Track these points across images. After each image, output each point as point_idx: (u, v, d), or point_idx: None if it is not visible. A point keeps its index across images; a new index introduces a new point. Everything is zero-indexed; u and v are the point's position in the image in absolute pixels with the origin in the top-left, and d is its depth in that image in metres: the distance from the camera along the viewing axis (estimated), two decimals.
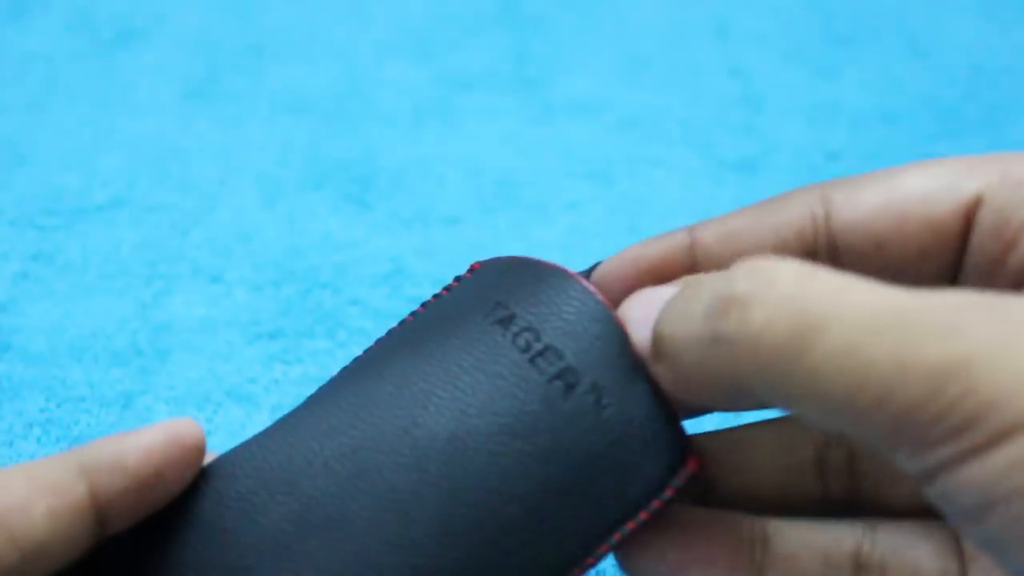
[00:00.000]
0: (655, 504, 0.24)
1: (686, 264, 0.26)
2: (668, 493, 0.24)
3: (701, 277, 0.23)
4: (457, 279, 0.27)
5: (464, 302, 0.26)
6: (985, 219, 0.23)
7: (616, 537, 0.24)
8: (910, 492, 0.26)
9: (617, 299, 0.26)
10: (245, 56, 0.58)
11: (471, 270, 0.28)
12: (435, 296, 0.27)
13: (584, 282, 0.26)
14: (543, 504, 0.23)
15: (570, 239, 0.47)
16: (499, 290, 0.26)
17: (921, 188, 0.24)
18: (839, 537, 0.25)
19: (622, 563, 0.26)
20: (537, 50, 0.59)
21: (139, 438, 0.23)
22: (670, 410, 0.24)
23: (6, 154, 0.51)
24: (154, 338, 0.42)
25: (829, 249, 0.24)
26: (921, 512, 0.25)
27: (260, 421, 0.39)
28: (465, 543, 0.23)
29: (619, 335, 0.25)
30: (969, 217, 0.23)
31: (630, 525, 0.24)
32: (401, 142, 0.52)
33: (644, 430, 0.24)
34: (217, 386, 0.41)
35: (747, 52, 0.59)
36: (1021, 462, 0.17)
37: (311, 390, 0.40)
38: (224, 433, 0.39)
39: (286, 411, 0.39)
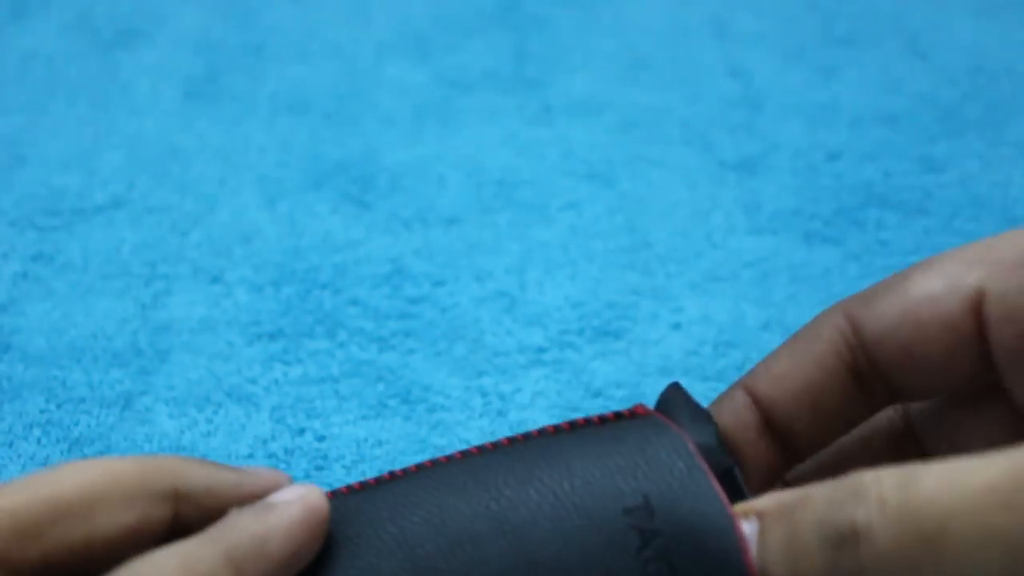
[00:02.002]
0: None
1: (759, 423, 0.26)
2: None
3: (785, 502, 0.22)
4: (617, 415, 0.25)
5: (616, 470, 0.24)
6: (993, 311, 0.23)
7: None
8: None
9: None
10: (245, 56, 0.58)
11: (633, 414, 0.26)
12: (586, 420, 0.25)
13: (737, 530, 0.23)
14: None
15: (570, 239, 0.47)
16: (654, 482, 0.24)
17: (927, 291, 0.24)
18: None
19: None
20: (537, 50, 0.59)
21: (280, 520, 0.23)
22: None
23: (6, 154, 0.51)
24: (154, 338, 0.42)
25: (869, 363, 0.25)
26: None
27: (260, 421, 0.39)
28: None
29: None
30: (977, 312, 0.24)
31: None
32: (401, 142, 0.52)
33: None
34: (217, 386, 0.41)
35: (747, 52, 0.59)
36: None
37: (311, 390, 0.40)
38: (224, 433, 0.39)
39: (285, 412, 0.39)
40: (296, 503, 0.23)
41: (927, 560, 0.19)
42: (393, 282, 0.45)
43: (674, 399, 0.26)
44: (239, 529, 0.23)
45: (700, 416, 0.26)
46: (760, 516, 0.23)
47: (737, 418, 0.26)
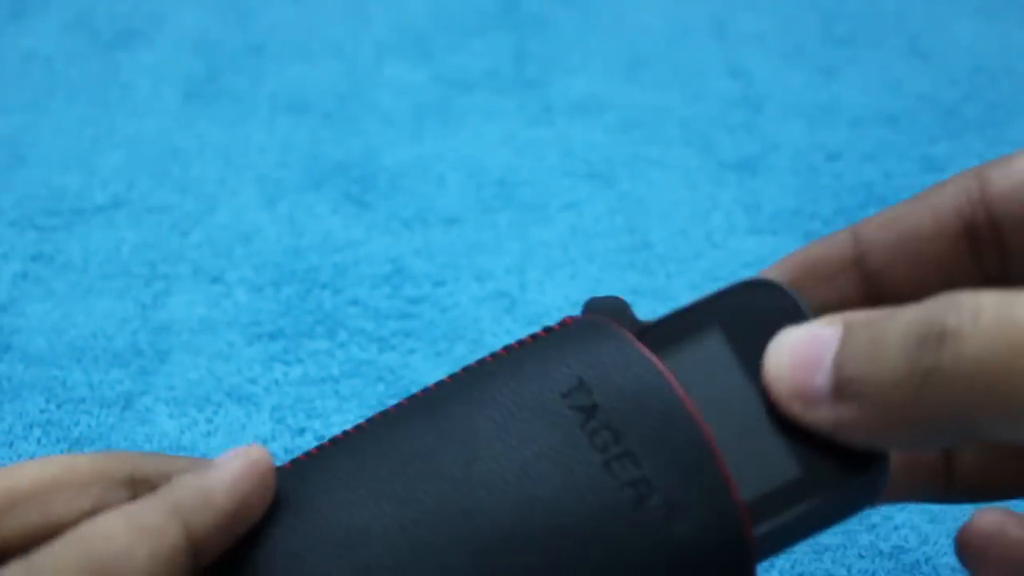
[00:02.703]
0: None
1: (850, 258, 0.26)
2: None
3: (874, 315, 0.23)
4: (546, 329, 0.26)
5: (547, 369, 0.25)
6: None
7: None
8: None
9: None
10: (245, 56, 0.58)
11: (562, 324, 0.26)
12: (519, 342, 0.26)
13: (678, 388, 0.24)
14: None
15: (570, 239, 0.47)
16: (585, 365, 0.25)
17: None
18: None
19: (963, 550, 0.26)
20: (537, 50, 0.59)
21: (222, 472, 0.24)
22: (742, 536, 0.23)
23: (6, 154, 0.51)
24: (154, 338, 0.42)
25: (989, 221, 0.25)
26: None
27: (260, 421, 0.39)
28: None
29: (705, 453, 0.23)
30: None
31: None
32: (401, 142, 0.52)
33: (711, 553, 0.23)
34: (217, 386, 0.41)
35: (747, 52, 0.59)
36: None
37: (311, 390, 0.40)
38: (224, 433, 0.39)
39: (286, 412, 0.39)
40: (238, 458, 0.24)
41: (1014, 368, 0.19)
42: (393, 282, 0.45)
43: (591, 305, 0.27)
44: (183, 485, 0.24)
45: (616, 303, 0.27)
46: (847, 324, 0.23)
47: (828, 250, 0.26)
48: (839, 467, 0.24)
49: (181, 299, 0.44)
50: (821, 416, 0.23)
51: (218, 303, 0.44)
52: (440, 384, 0.26)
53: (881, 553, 0.35)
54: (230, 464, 0.24)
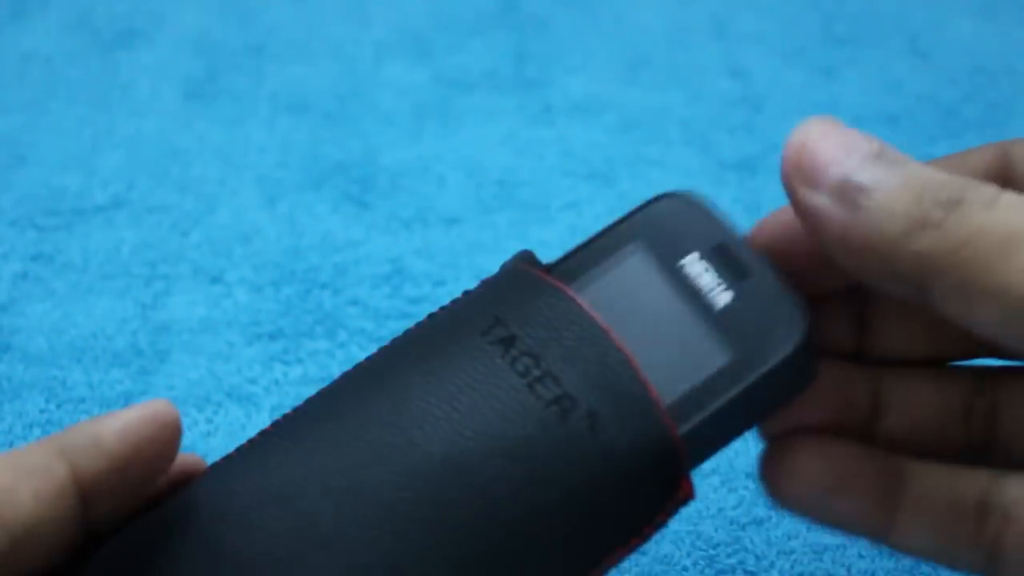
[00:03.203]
0: (646, 530, 0.25)
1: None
2: (660, 518, 0.25)
3: (918, 166, 0.23)
4: (467, 293, 0.27)
5: (466, 316, 0.26)
6: None
7: (606, 562, 0.24)
8: None
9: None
10: (245, 56, 0.58)
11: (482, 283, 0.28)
12: (442, 308, 0.27)
13: (585, 306, 0.26)
14: (534, 528, 0.23)
15: (570, 239, 0.47)
16: (500, 305, 0.26)
17: None
18: (970, 482, 0.25)
19: (770, 488, 0.26)
20: (537, 50, 0.59)
21: (115, 419, 0.23)
22: (666, 435, 0.24)
23: (6, 154, 0.51)
24: (154, 338, 0.42)
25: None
26: None
27: (260, 421, 0.39)
28: (456, 564, 0.23)
29: (619, 361, 0.25)
30: None
31: (620, 550, 0.24)
32: (401, 142, 0.52)
33: (638, 456, 0.24)
34: (217, 386, 0.41)
35: (747, 52, 0.59)
36: None
37: (311, 390, 0.40)
38: (224, 433, 0.39)
39: (286, 411, 0.39)
40: (137, 407, 0.24)
41: (998, 252, 0.20)
42: (393, 282, 0.45)
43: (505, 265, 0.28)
44: (74, 429, 0.23)
45: (526, 255, 0.28)
46: (887, 152, 0.24)
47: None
48: (765, 347, 0.25)
49: (181, 299, 0.44)
50: (812, 202, 0.23)
51: (218, 303, 0.44)
52: (369, 356, 0.27)
53: (881, 553, 0.35)
54: (126, 412, 0.24)
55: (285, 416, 0.26)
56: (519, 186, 0.50)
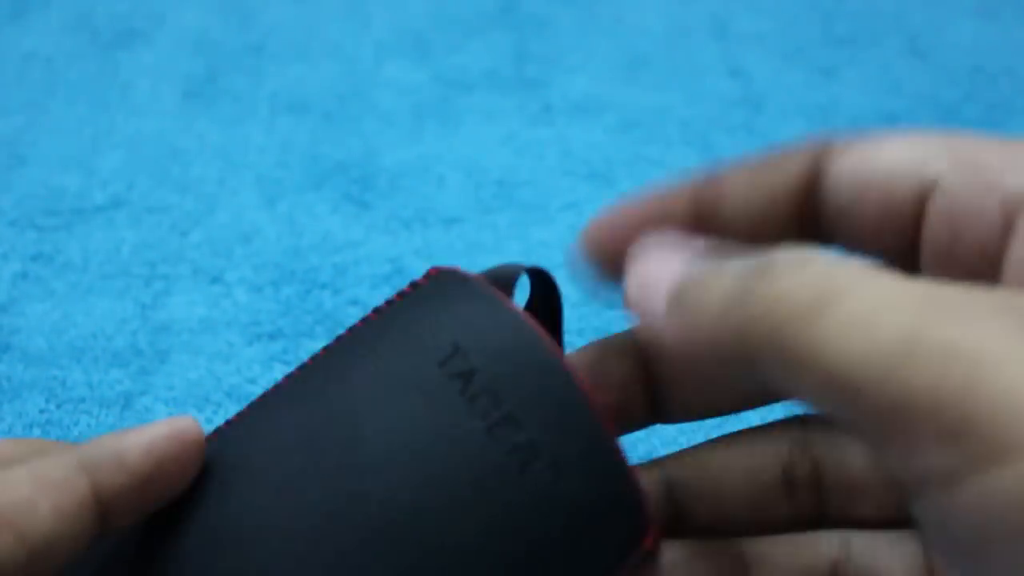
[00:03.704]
0: None
1: (695, 205, 0.25)
2: (622, 571, 0.24)
3: (731, 246, 0.23)
4: (413, 285, 0.26)
5: (421, 336, 0.24)
6: (937, 205, 0.22)
7: None
8: (875, 506, 0.26)
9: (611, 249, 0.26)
10: (245, 56, 0.58)
11: (427, 276, 0.26)
12: (388, 302, 0.26)
13: (548, 343, 0.24)
14: None
15: (570, 239, 0.47)
16: (459, 329, 0.24)
17: (888, 164, 0.23)
18: (816, 551, 0.25)
19: None
20: (537, 50, 0.59)
21: (140, 436, 0.23)
22: (631, 485, 0.23)
23: (6, 154, 0.51)
24: (154, 338, 0.42)
25: (816, 204, 0.24)
26: (888, 523, 0.25)
27: None
28: None
29: (584, 406, 0.23)
30: (923, 202, 0.23)
31: None
32: (401, 142, 0.52)
33: (601, 509, 0.23)
34: (217, 386, 0.41)
35: (747, 52, 0.59)
36: (1017, 494, 0.16)
37: None
38: None
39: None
40: (162, 424, 0.23)
41: (807, 312, 0.19)
42: (393, 282, 0.45)
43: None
44: (97, 443, 0.23)
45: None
46: (705, 251, 0.23)
47: (681, 192, 0.26)
48: None
49: (181, 299, 0.44)
50: (653, 325, 0.23)
51: (218, 303, 0.44)
52: (316, 359, 0.25)
53: None
54: (151, 428, 0.23)
55: (240, 426, 0.25)
56: (519, 186, 0.50)
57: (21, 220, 0.47)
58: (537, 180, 0.50)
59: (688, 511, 0.26)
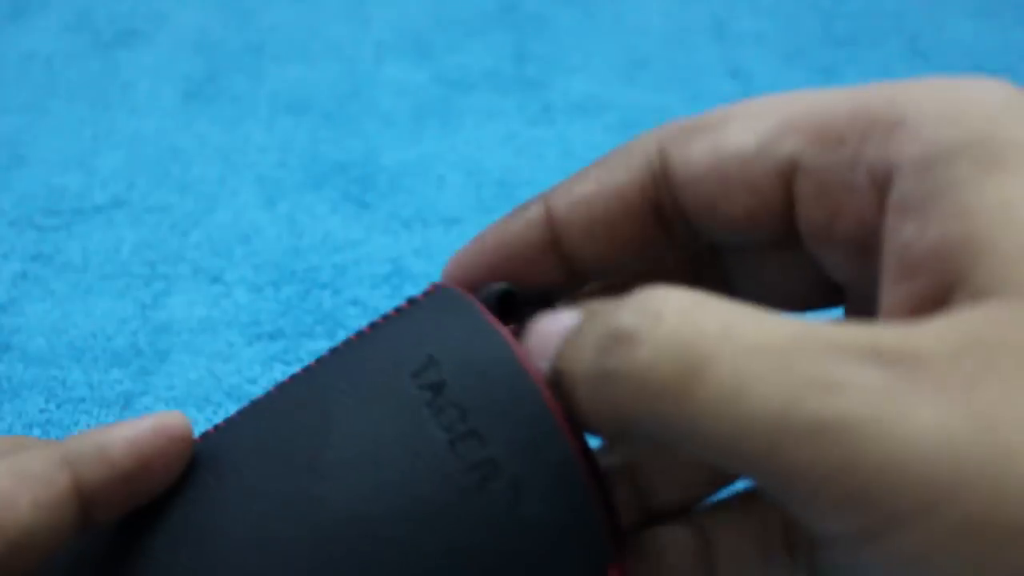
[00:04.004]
0: None
1: (547, 240, 0.24)
2: None
3: (596, 308, 0.22)
4: (411, 301, 0.25)
5: (399, 346, 0.24)
6: (805, 185, 0.22)
7: None
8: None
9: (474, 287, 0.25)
10: (245, 56, 0.58)
11: (425, 293, 0.25)
12: (384, 317, 0.25)
13: (524, 360, 0.23)
14: None
15: None
16: (436, 341, 0.24)
17: (739, 147, 0.22)
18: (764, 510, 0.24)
19: None
20: (537, 50, 0.59)
21: (124, 430, 0.23)
22: (597, 514, 0.22)
23: (6, 154, 0.51)
24: (154, 338, 0.42)
25: (673, 205, 0.23)
26: None
27: None
28: None
29: (552, 427, 0.22)
30: (788, 182, 0.22)
31: None
32: (401, 142, 0.52)
33: (564, 535, 0.22)
34: (217, 386, 0.41)
35: (747, 52, 0.59)
36: (919, 556, 0.16)
37: None
38: None
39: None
40: (147, 419, 0.23)
41: (675, 389, 0.18)
42: (393, 282, 0.45)
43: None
44: (82, 437, 0.23)
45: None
46: (583, 313, 0.22)
47: (527, 230, 0.24)
48: None
49: (181, 299, 0.44)
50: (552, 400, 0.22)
51: (218, 303, 0.44)
52: (307, 368, 0.25)
53: None
54: (136, 422, 0.23)
55: (226, 431, 0.25)
56: (519, 186, 0.50)
57: (21, 220, 0.47)
58: (537, 180, 0.50)
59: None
